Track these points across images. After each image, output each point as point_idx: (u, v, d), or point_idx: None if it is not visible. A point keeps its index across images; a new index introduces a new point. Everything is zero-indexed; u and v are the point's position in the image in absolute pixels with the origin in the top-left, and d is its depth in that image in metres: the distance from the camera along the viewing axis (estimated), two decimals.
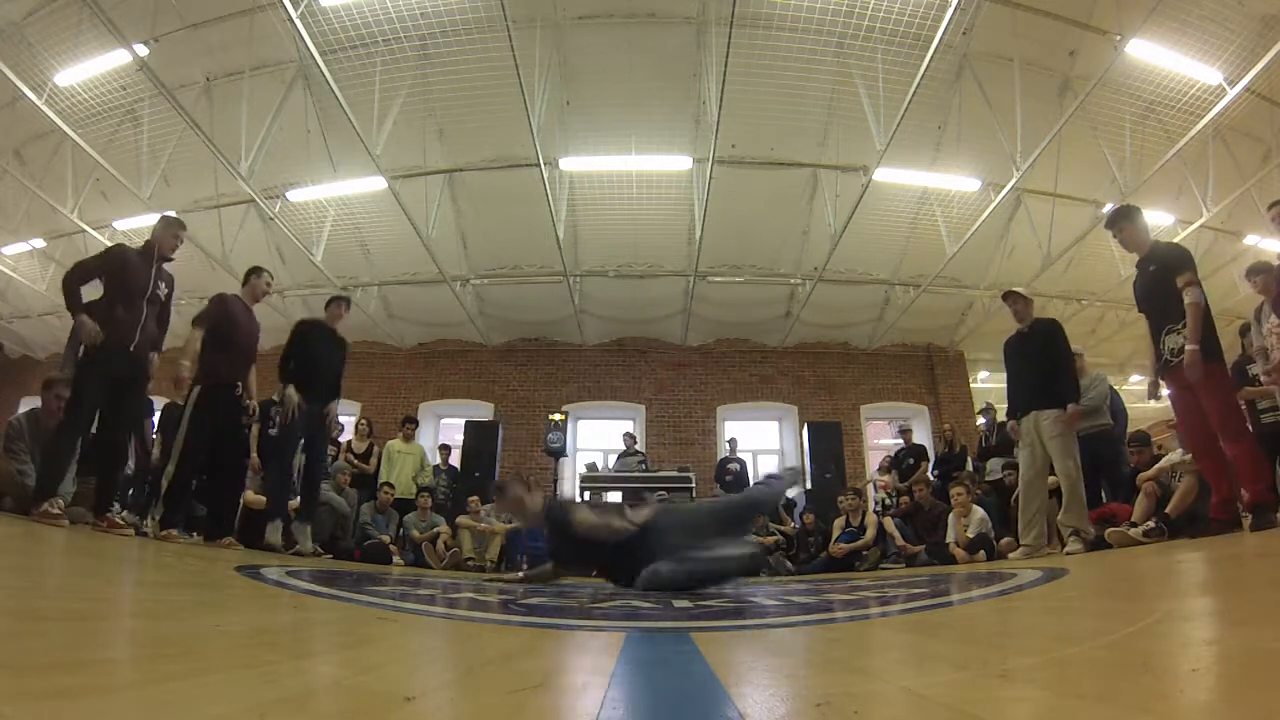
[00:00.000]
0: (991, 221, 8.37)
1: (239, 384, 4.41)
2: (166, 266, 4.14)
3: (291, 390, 4.63)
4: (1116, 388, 6.35)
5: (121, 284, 3.85)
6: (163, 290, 4.06)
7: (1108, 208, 8.27)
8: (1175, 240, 8.71)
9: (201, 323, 4.37)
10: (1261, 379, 4.51)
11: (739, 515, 3.22)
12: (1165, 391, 3.94)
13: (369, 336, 11.83)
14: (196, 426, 4.22)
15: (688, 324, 11.24)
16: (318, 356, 4.89)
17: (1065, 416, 4.33)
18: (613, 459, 10.81)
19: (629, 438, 9.63)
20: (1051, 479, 4.52)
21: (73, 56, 6.53)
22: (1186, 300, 3.56)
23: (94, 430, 3.90)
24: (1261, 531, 3.20)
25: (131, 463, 5.82)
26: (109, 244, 8.44)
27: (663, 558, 2.56)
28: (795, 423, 11.34)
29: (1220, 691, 0.64)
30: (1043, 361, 4.53)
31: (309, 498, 5.00)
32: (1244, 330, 4.93)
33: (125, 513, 4.39)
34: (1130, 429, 5.73)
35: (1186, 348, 3.49)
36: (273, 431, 5.76)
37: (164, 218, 4.25)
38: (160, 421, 6.16)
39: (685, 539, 2.68)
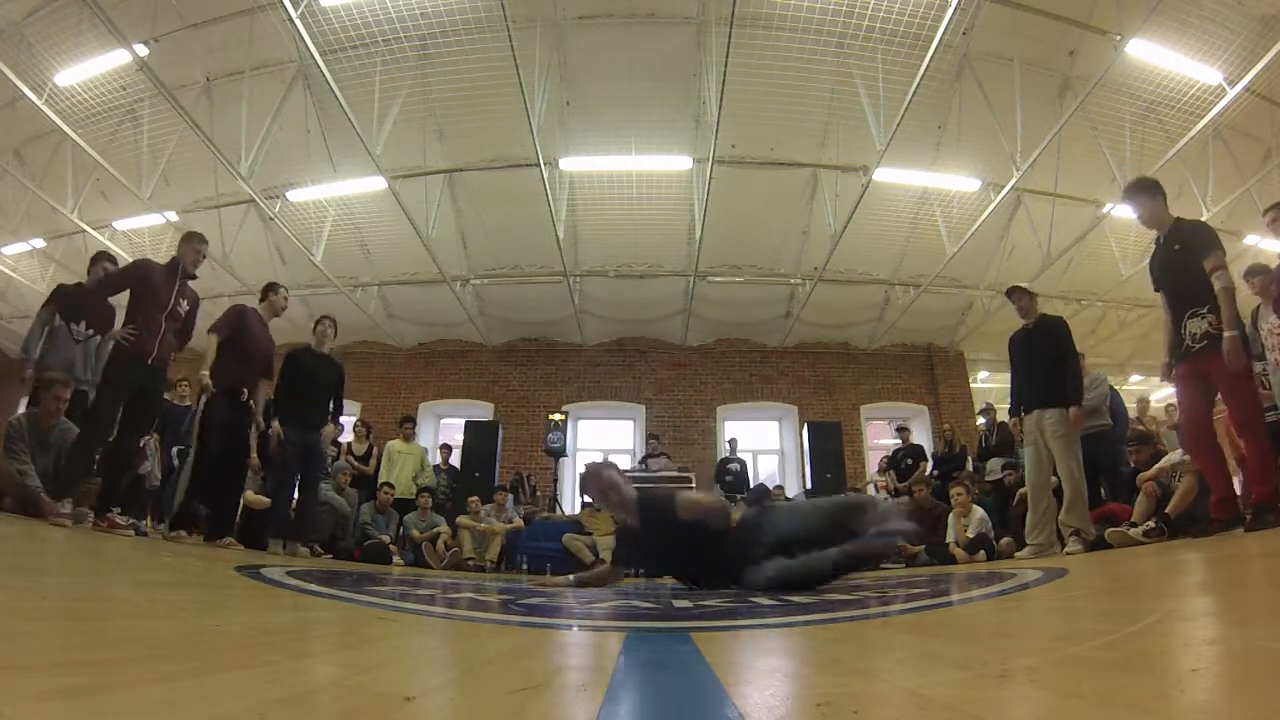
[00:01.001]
0: (991, 221, 8.37)
1: (244, 390, 4.45)
2: (191, 284, 4.26)
3: (276, 426, 4.69)
4: (1116, 388, 6.35)
5: (144, 298, 3.96)
6: (184, 307, 4.17)
7: (1107, 208, 8.30)
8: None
9: (219, 330, 4.46)
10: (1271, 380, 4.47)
11: (840, 520, 2.83)
12: (1174, 388, 3.84)
13: (369, 336, 11.83)
14: (207, 432, 4.34)
15: (688, 324, 11.24)
16: (306, 384, 4.90)
17: (1068, 419, 4.30)
18: (613, 458, 10.80)
19: (654, 440, 9.64)
20: (1052, 478, 4.51)
21: (73, 56, 6.53)
22: (1217, 286, 3.32)
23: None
24: (1258, 531, 3.13)
25: (155, 469, 5.85)
26: (108, 244, 8.49)
27: (759, 557, 2.53)
28: (795, 423, 11.35)
29: (1220, 691, 0.64)
30: (1047, 359, 4.47)
31: (300, 522, 4.97)
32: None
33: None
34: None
35: (1226, 334, 3.25)
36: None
37: (187, 234, 4.36)
38: (159, 422, 6.16)
39: (783, 540, 2.62)
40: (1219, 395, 3.55)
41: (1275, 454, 3.44)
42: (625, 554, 3.15)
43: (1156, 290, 3.84)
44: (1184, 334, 3.53)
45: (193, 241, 4.26)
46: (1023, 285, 4.80)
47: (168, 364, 4.09)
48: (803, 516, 2.79)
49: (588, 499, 7.72)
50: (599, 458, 10.63)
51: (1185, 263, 3.52)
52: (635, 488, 2.98)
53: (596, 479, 2.96)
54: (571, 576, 2.98)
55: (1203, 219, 8.22)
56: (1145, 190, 3.76)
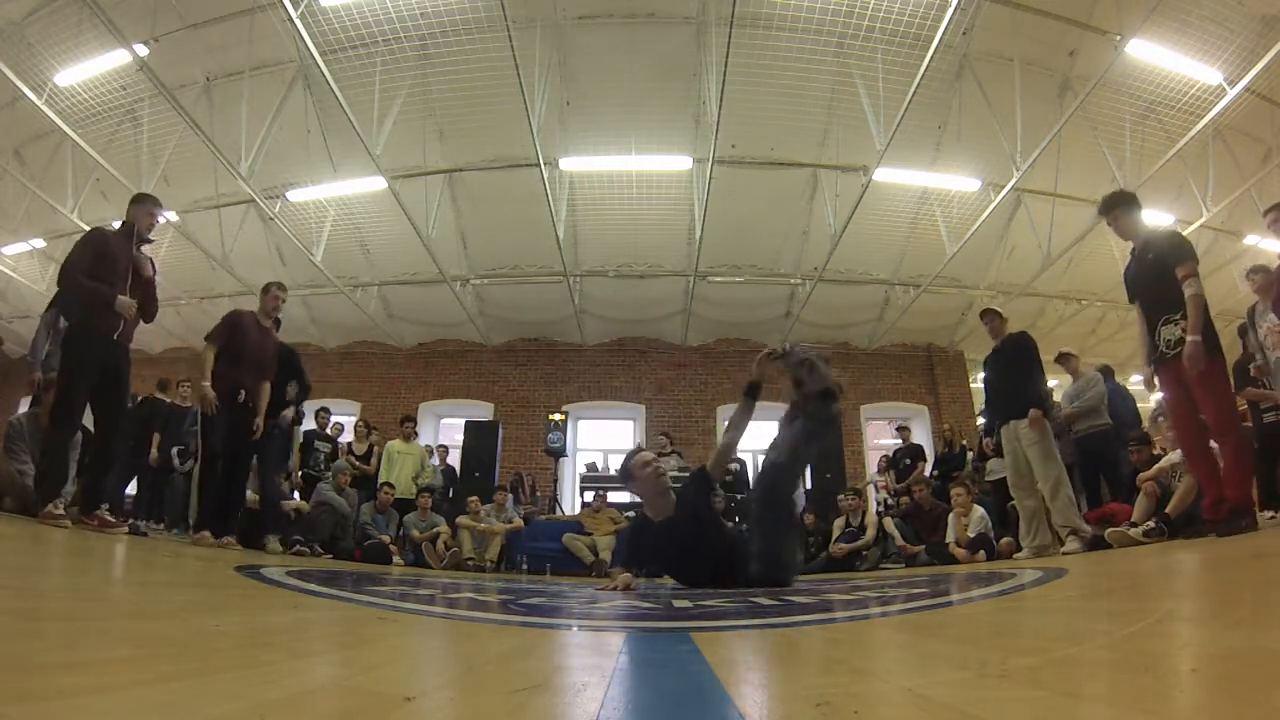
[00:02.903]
0: (991, 221, 8.37)
1: (243, 390, 4.43)
2: (147, 249, 4.02)
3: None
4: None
5: (101, 269, 3.70)
6: (145, 273, 3.93)
7: None
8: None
9: (214, 340, 4.43)
10: (1252, 372, 4.53)
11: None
12: (1160, 394, 3.90)
13: (369, 336, 11.83)
14: (208, 434, 4.31)
15: (688, 324, 11.24)
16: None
17: (1030, 420, 4.45)
18: (613, 459, 10.80)
19: (665, 438, 9.62)
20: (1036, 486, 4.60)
21: (73, 56, 6.54)
22: (1187, 293, 3.40)
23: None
24: (1230, 536, 3.15)
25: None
26: None
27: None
28: None
29: (1220, 692, 0.64)
30: (1015, 373, 4.70)
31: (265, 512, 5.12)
32: (1243, 330, 4.94)
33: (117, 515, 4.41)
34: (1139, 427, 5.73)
35: (1188, 339, 3.34)
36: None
37: (137, 196, 4.07)
38: (160, 421, 6.18)
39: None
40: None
41: (1249, 457, 3.45)
42: (635, 552, 3.13)
43: (1131, 301, 3.94)
44: (1159, 340, 3.60)
45: (145, 204, 3.97)
46: (994, 308, 5.04)
47: (131, 339, 3.90)
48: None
49: (589, 500, 7.73)
50: (600, 458, 10.69)
51: (1159, 271, 3.59)
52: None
53: (641, 463, 3.04)
54: (628, 576, 2.96)
55: (1202, 219, 8.26)
56: (1121, 203, 3.86)
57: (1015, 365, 4.73)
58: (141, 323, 3.98)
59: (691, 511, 2.92)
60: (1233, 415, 3.56)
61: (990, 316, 4.97)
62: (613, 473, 9.05)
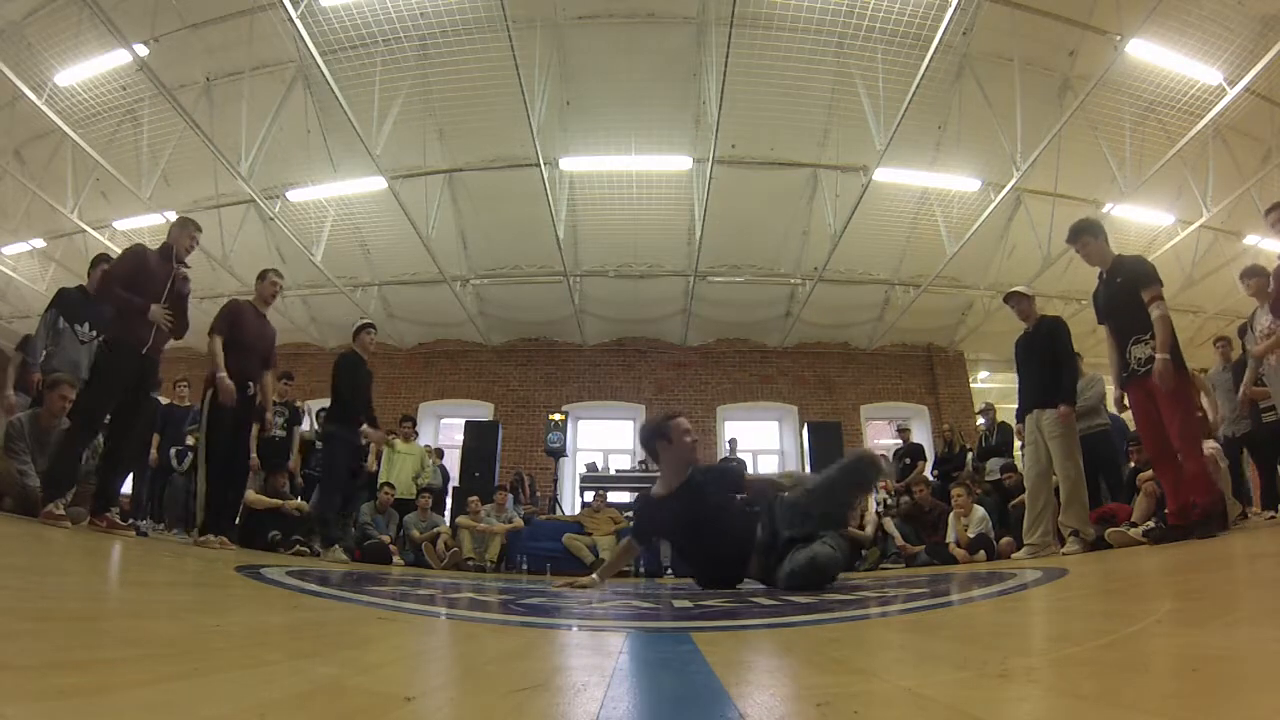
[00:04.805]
0: (991, 221, 8.37)
1: (250, 384, 4.40)
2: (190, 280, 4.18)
3: (368, 429, 5.32)
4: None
5: (138, 285, 3.83)
6: (185, 289, 4.09)
7: (1107, 208, 8.30)
8: (1174, 241, 8.75)
9: (219, 331, 4.40)
10: (1250, 356, 4.59)
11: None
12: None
13: None
14: (215, 428, 4.27)
15: (688, 324, 11.24)
16: (364, 389, 5.50)
17: (1057, 416, 4.35)
18: (613, 459, 10.80)
19: None
20: (1053, 478, 4.52)
21: (73, 56, 6.54)
22: (1154, 314, 3.62)
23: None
24: (1207, 539, 3.32)
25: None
26: (108, 244, 8.49)
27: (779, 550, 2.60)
28: (795, 423, 11.35)
29: (1220, 691, 0.64)
30: (1046, 360, 4.52)
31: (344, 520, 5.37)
32: (1242, 331, 4.94)
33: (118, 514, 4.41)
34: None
35: (1158, 357, 3.56)
36: (271, 433, 5.82)
37: (179, 219, 4.25)
38: (159, 421, 6.17)
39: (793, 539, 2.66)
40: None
41: (1260, 458, 3.50)
42: (649, 527, 3.07)
43: (1101, 323, 4.08)
44: (1129, 359, 3.80)
45: (187, 227, 4.13)
46: (1020, 289, 4.83)
47: (161, 354, 4.00)
48: (802, 515, 2.71)
49: (589, 500, 7.73)
50: (600, 458, 10.70)
51: (1127, 294, 3.79)
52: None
53: (681, 429, 2.92)
54: (595, 575, 2.90)
55: (1202, 219, 8.26)
56: (1088, 231, 4.02)
57: (1046, 352, 4.52)
58: (171, 338, 4.06)
59: (698, 493, 2.82)
60: (1196, 430, 3.79)
61: (1017, 299, 4.73)
62: (613, 472, 9.07)
